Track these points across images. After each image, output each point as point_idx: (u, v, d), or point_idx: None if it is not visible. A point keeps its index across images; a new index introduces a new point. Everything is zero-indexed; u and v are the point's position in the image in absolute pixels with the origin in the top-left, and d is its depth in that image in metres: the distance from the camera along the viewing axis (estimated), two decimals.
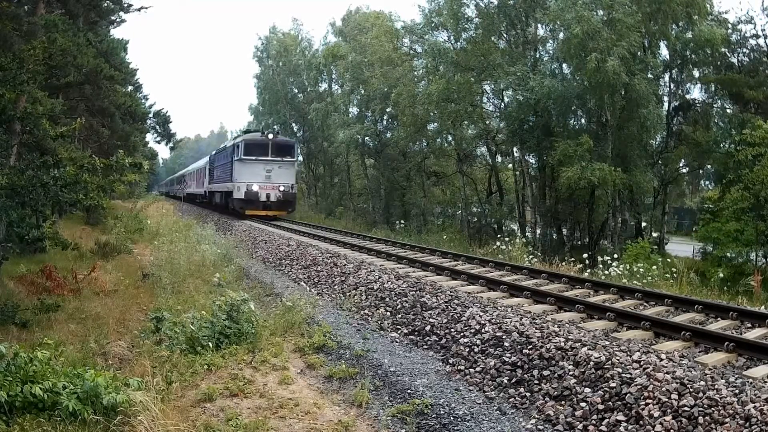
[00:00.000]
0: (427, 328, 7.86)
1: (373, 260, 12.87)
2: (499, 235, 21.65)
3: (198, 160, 52.30)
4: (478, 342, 6.94)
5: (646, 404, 4.85)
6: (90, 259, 13.62)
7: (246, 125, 69.80)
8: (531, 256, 15.49)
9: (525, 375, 6.00)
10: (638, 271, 12.59)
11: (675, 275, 12.58)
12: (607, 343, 6.17)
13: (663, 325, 7.14)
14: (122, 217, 25.51)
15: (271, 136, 26.48)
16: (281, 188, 25.72)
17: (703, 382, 4.91)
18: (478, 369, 6.42)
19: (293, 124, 44.80)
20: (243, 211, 25.87)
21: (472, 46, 23.12)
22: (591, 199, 21.69)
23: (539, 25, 23.83)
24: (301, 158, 40.01)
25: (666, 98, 22.96)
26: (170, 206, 43.74)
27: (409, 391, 5.88)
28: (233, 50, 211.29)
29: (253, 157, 25.59)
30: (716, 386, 4.83)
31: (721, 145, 20.78)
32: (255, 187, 25.30)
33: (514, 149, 25.00)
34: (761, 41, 22.49)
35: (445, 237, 21.16)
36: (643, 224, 23.16)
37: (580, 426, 4.98)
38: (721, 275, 13.23)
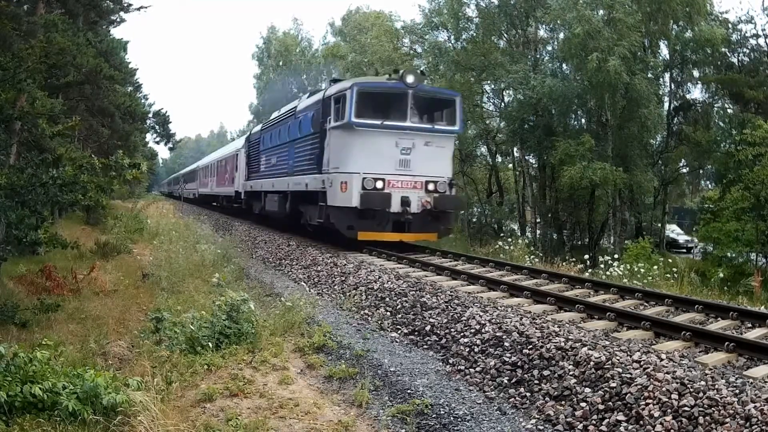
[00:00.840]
0: (427, 328, 7.86)
1: (373, 260, 12.86)
2: (501, 235, 21.66)
3: (218, 149, 41.70)
4: (478, 342, 6.93)
5: (647, 404, 4.85)
6: (90, 259, 13.61)
7: (246, 124, 67.88)
8: (532, 256, 15.50)
9: (525, 375, 6.00)
10: (638, 271, 12.60)
11: (675, 275, 12.59)
12: (608, 343, 6.17)
13: (663, 325, 7.13)
14: (122, 217, 25.47)
15: (411, 78, 13.21)
16: (430, 186, 13.23)
17: (703, 382, 4.91)
18: (478, 369, 6.42)
19: None
20: (353, 234, 13.15)
21: (473, 46, 23.16)
22: (591, 199, 21.72)
23: (540, 25, 23.87)
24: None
25: (666, 98, 22.99)
26: (170, 206, 43.68)
27: (409, 391, 5.87)
28: (233, 50, 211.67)
29: (377, 122, 13.01)
30: (716, 386, 4.82)
31: (722, 145, 20.82)
32: (380, 183, 12.87)
33: (514, 149, 25.05)
34: (761, 41, 22.52)
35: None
36: (646, 223, 23.20)
37: (580, 426, 4.97)
38: (722, 275, 13.24)
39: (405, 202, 12.96)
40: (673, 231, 30.35)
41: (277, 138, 19.06)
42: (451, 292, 9.01)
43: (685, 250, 27.75)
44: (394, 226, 13.15)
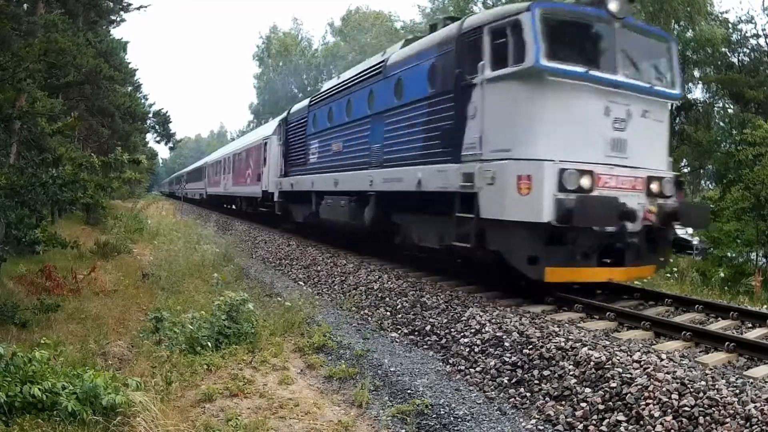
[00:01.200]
0: (428, 327, 7.85)
1: (373, 260, 12.84)
2: None
3: (233, 141, 37.47)
4: (478, 342, 6.92)
5: (647, 404, 4.84)
6: (90, 259, 13.61)
7: (246, 124, 67.33)
8: None
9: (525, 375, 5.99)
10: None
11: (676, 275, 12.57)
12: (608, 343, 6.16)
13: (663, 325, 7.12)
14: (122, 217, 25.46)
15: (615, 5, 7.62)
16: (653, 186, 7.89)
17: (703, 382, 4.90)
18: (478, 369, 6.41)
19: None
20: (537, 273, 7.35)
21: None
22: None
23: None
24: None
25: None
26: (170, 206, 43.63)
27: (409, 391, 5.87)
28: (233, 50, 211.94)
29: (579, 70, 7.35)
30: (717, 386, 4.82)
31: (722, 145, 20.81)
32: (586, 181, 7.16)
33: None
34: (762, 41, 22.51)
35: None
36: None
37: (580, 426, 4.97)
38: (722, 275, 13.22)
39: (626, 213, 7.48)
40: (686, 232, 29.89)
41: (344, 113, 12.94)
42: (451, 291, 9.01)
43: (698, 252, 27.27)
44: (599, 259, 7.85)
